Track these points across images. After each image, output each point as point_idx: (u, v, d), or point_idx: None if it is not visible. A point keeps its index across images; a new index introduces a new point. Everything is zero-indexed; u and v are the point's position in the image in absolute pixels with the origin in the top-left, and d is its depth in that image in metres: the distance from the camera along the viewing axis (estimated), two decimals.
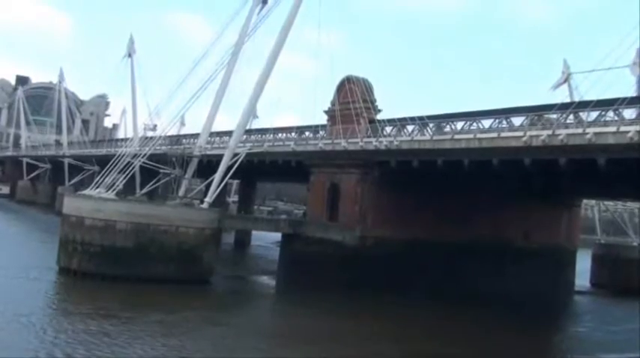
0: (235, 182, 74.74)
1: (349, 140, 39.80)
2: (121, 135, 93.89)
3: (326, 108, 43.81)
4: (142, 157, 42.18)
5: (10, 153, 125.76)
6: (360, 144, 38.98)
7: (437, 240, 38.04)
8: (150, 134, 49.05)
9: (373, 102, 41.36)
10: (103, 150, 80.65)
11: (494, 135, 32.31)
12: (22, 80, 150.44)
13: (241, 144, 43.17)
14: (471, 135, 33.33)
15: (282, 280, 40.68)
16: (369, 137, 38.92)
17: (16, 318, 24.29)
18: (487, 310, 33.87)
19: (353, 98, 40.85)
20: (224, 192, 57.71)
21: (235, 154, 40.56)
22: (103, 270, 33.88)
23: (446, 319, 31.97)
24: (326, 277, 36.52)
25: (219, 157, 41.13)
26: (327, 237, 39.26)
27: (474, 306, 33.89)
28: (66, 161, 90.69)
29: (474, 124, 34.04)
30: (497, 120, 33.18)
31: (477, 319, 32.15)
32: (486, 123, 33.63)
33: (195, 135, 48.91)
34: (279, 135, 48.02)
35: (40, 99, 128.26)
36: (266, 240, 63.60)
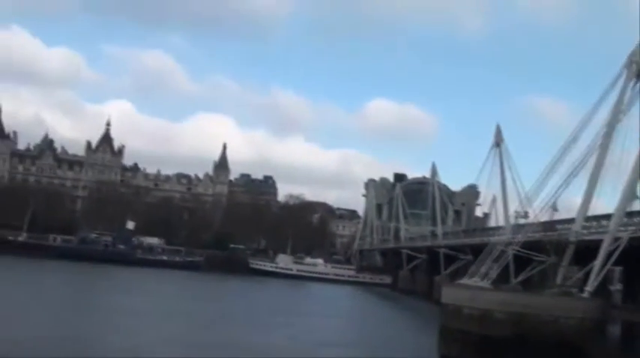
0: (618, 269, 69.00)
1: None
2: (492, 223, 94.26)
3: None
4: (515, 245, 41.73)
5: (391, 245, 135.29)
6: None
7: None
8: (521, 221, 48.61)
9: None
10: (475, 239, 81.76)
11: None
12: (399, 177, 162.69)
13: (622, 228, 40.00)
14: None
15: None
16: None
17: None
18: None
19: None
20: (606, 279, 53.69)
21: (616, 239, 37.73)
22: None
23: None
24: None
25: (598, 242, 38.77)
26: None
27: None
28: (441, 251, 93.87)
29: None
30: None
31: None
32: None
33: (570, 220, 46.85)
34: None
35: (416, 194, 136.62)
36: None
